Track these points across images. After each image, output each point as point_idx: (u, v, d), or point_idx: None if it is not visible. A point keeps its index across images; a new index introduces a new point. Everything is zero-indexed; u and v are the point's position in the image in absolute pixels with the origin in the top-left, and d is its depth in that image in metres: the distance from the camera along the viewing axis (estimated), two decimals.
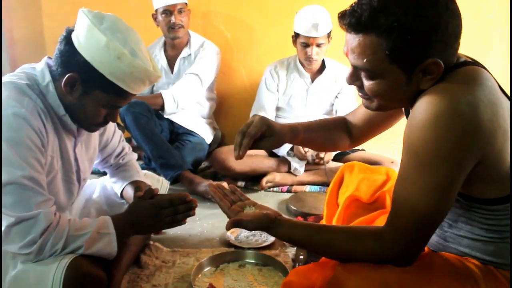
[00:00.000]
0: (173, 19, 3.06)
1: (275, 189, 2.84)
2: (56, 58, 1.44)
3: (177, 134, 3.22)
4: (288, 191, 2.81)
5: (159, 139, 2.89)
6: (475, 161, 1.06)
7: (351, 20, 1.09)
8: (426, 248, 1.32)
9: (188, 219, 1.59)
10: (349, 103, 2.93)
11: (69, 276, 1.30)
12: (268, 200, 2.66)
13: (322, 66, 3.02)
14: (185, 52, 3.23)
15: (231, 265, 1.85)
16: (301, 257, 1.81)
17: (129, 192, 1.78)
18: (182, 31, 3.13)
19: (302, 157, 2.81)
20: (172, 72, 3.28)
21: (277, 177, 2.85)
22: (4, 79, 1.44)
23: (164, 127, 3.15)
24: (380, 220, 1.45)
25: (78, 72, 1.40)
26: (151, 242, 2.00)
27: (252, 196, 2.62)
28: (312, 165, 2.87)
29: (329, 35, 2.82)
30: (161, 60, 3.28)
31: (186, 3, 3.11)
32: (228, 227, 1.29)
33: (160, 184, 2.05)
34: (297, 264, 1.78)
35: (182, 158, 2.89)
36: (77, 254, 1.37)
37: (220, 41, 3.38)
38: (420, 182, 1.07)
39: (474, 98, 1.04)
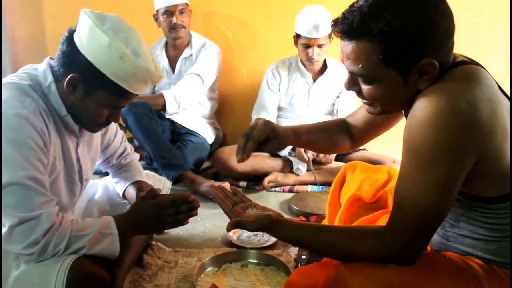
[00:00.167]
0: (174, 19, 3.06)
1: (277, 189, 2.83)
2: (58, 59, 1.44)
3: (179, 134, 3.22)
4: (290, 191, 2.81)
5: (161, 139, 2.89)
6: (475, 159, 1.07)
7: (343, 27, 1.10)
8: (428, 248, 1.32)
9: (190, 219, 1.59)
10: (350, 103, 2.93)
11: (72, 276, 1.30)
12: (270, 200, 2.66)
13: (324, 66, 3.02)
14: (186, 53, 3.23)
15: (234, 265, 1.85)
16: (304, 257, 1.81)
17: (131, 192, 1.78)
18: (183, 31, 3.13)
19: (303, 160, 2.81)
20: (173, 72, 3.28)
21: (279, 177, 2.85)
22: (6, 79, 1.44)
23: (165, 127, 3.15)
24: (383, 219, 1.45)
25: (80, 72, 1.40)
26: (154, 242, 2.00)
27: (254, 196, 2.64)
28: (318, 164, 2.86)
29: (330, 35, 2.81)
30: (163, 61, 3.28)
31: (187, 4, 3.11)
32: (229, 228, 1.30)
33: (162, 184, 2.05)
34: (299, 264, 1.78)
35: (184, 158, 2.89)
36: (79, 254, 1.37)
37: (221, 41, 3.38)
38: (421, 181, 1.07)
39: (472, 96, 1.04)
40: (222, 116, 3.64)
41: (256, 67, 3.53)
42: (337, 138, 1.57)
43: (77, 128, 1.55)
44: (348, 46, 1.12)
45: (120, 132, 1.91)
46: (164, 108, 3.07)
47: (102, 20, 1.39)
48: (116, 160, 1.90)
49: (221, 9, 3.54)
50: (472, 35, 3.24)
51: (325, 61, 3.00)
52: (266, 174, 2.84)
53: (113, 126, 1.84)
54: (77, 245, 1.37)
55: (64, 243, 1.35)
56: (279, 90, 3.08)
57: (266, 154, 3.02)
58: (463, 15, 3.21)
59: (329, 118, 3.10)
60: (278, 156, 3.00)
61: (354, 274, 1.11)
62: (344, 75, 1.24)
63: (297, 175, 2.87)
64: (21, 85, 1.41)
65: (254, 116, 3.14)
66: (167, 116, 3.14)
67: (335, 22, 1.13)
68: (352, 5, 1.10)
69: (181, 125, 3.19)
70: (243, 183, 2.88)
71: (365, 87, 1.17)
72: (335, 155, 2.90)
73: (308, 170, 2.87)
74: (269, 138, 1.37)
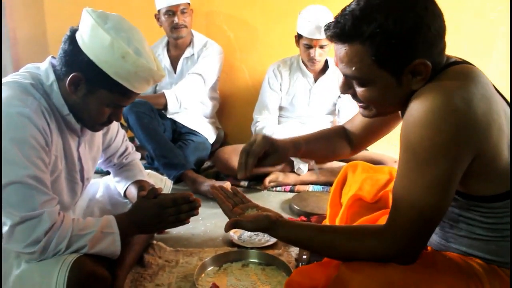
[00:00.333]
0: (176, 19, 3.06)
1: (278, 188, 2.83)
2: (60, 58, 1.44)
3: (180, 133, 3.22)
4: (291, 190, 2.80)
5: (162, 138, 2.89)
6: (472, 156, 1.07)
7: (335, 31, 1.12)
8: (429, 248, 1.32)
9: (191, 219, 1.59)
10: (352, 104, 2.93)
11: (73, 275, 1.30)
12: (271, 199, 2.66)
13: (325, 66, 3.02)
14: (188, 52, 3.23)
15: (234, 265, 1.85)
16: (304, 256, 1.81)
17: (133, 191, 1.78)
18: (185, 31, 3.14)
19: (305, 160, 2.81)
20: (175, 72, 3.29)
21: (280, 176, 2.84)
22: (8, 78, 1.45)
23: (167, 126, 3.15)
24: (383, 219, 1.45)
25: (82, 71, 1.40)
26: (155, 242, 2.00)
27: (255, 196, 2.65)
28: (319, 164, 2.86)
29: None
30: (164, 60, 3.28)
31: (188, 3, 3.11)
32: (227, 229, 1.30)
33: (163, 183, 2.05)
34: (300, 264, 1.78)
35: (185, 158, 2.89)
36: (81, 254, 1.37)
37: (223, 41, 3.39)
38: (419, 179, 1.08)
39: (467, 93, 1.05)
40: (223, 116, 3.64)
41: (258, 67, 3.53)
42: (336, 145, 1.58)
43: (79, 127, 1.55)
44: (341, 49, 1.13)
45: (122, 131, 1.91)
46: (165, 107, 3.07)
47: (104, 19, 1.39)
48: (117, 159, 1.91)
49: (223, 9, 3.54)
50: (473, 35, 3.24)
51: (326, 61, 3.00)
52: (267, 174, 2.84)
53: (115, 125, 1.85)
54: (78, 244, 1.38)
55: (65, 242, 1.35)
56: (281, 90, 3.08)
57: None
58: (464, 15, 3.21)
59: (330, 118, 3.10)
60: None
61: (355, 274, 1.11)
62: None
63: (298, 174, 2.87)
64: (23, 84, 1.42)
65: (255, 116, 3.14)
66: (168, 116, 3.14)
67: (328, 26, 1.15)
68: (344, 9, 1.12)
69: (182, 125, 3.19)
70: (244, 183, 2.88)
71: (359, 90, 1.18)
72: None
73: (310, 169, 2.87)
74: (269, 152, 1.39)
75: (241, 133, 3.52)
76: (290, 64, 3.08)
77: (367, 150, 2.99)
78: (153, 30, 3.23)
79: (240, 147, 2.96)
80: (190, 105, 3.16)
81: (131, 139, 2.65)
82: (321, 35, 2.74)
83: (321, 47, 2.82)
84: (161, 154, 2.81)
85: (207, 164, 3.25)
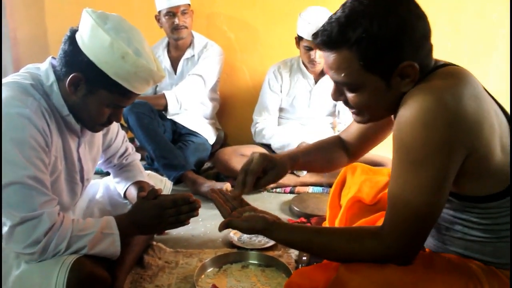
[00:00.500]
0: (176, 20, 3.06)
1: (278, 190, 2.82)
2: (60, 58, 1.44)
3: (180, 134, 3.22)
4: (291, 192, 2.80)
5: (162, 139, 2.89)
6: (465, 154, 1.08)
7: (323, 39, 1.14)
8: (427, 250, 1.33)
9: (191, 220, 1.59)
10: None
11: (72, 276, 1.30)
12: (271, 201, 2.66)
13: None
14: (188, 53, 3.24)
15: (234, 266, 1.85)
16: (304, 258, 1.81)
17: (133, 192, 1.78)
18: (186, 32, 3.14)
19: None
20: (175, 73, 3.29)
21: None
22: (8, 79, 1.45)
23: (167, 127, 3.15)
24: (382, 221, 1.45)
25: (82, 72, 1.40)
26: (154, 243, 2.00)
27: (255, 197, 2.64)
28: None
29: None
30: (165, 61, 3.28)
31: (189, 4, 3.11)
32: (221, 228, 1.31)
33: (163, 184, 2.05)
34: (300, 265, 1.78)
35: (185, 159, 2.89)
36: (80, 254, 1.37)
37: (223, 42, 3.39)
38: (412, 178, 1.09)
39: (456, 92, 1.06)
40: (223, 117, 3.64)
41: (258, 68, 3.53)
42: (333, 155, 1.60)
43: (79, 128, 1.55)
44: (330, 56, 1.15)
45: (122, 132, 1.91)
46: (165, 108, 3.07)
47: (104, 20, 1.39)
48: (117, 160, 1.90)
49: (223, 10, 3.54)
50: (474, 35, 3.24)
51: None
52: None
53: (115, 126, 1.84)
54: (78, 245, 1.37)
55: (65, 243, 1.35)
56: (281, 91, 3.08)
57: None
58: (464, 15, 3.21)
59: (330, 119, 3.10)
60: None
61: (353, 275, 1.11)
62: None
63: (298, 176, 2.87)
64: (23, 84, 1.42)
65: (255, 117, 3.15)
66: (168, 117, 3.14)
67: (316, 34, 1.17)
68: (330, 17, 1.15)
69: (183, 126, 3.19)
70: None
71: (350, 95, 1.20)
72: None
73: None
74: (267, 169, 1.40)
75: (241, 134, 3.52)
76: (291, 65, 3.08)
77: None
78: (154, 31, 3.23)
79: (240, 148, 2.99)
80: (190, 106, 3.16)
81: (131, 140, 2.65)
82: None
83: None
84: (161, 155, 2.81)
85: (207, 165, 3.24)
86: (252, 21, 3.52)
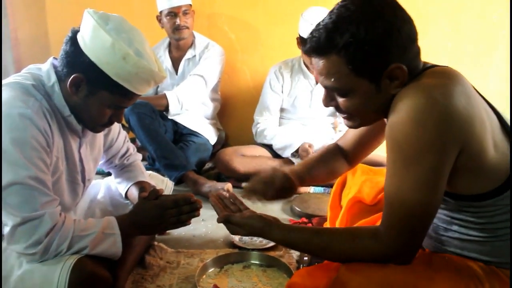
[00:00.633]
0: (178, 20, 3.06)
1: None
2: (61, 59, 1.44)
3: (181, 134, 3.22)
4: None
5: (163, 139, 2.89)
6: (457, 150, 1.09)
7: (312, 45, 1.17)
8: (427, 250, 1.33)
9: (193, 220, 1.59)
10: None
11: (74, 276, 1.30)
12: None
13: None
14: (189, 54, 3.24)
15: (236, 266, 1.85)
16: (306, 258, 1.81)
17: (134, 192, 1.78)
18: (187, 32, 3.14)
19: (306, 157, 2.81)
20: (176, 73, 3.29)
21: None
22: (9, 79, 1.45)
23: (168, 127, 3.15)
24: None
25: (83, 72, 1.40)
26: (156, 243, 2.00)
27: None
28: None
29: None
30: (166, 61, 3.28)
31: (190, 5, 3.11)
32: (219, 220, 1.38)
33: (165, 184, 2.05)
34: (301, 266, 1.78)
35: (186, 159, 2.89)
36: (82, 255, 1.37)
37: (224, 42, 3.39)
38: (407, 176, 1.09)
39: (446, 89, 1.08)
40: (224, 117, 3.64)
41: (259, 68, 3.53)
42: (335, 164, 1.62)
43: (80, 128, 1.55)
44: (319, 62, 1.18)
45: (123, 132, 1.91)
46: (167, 108, 3.07)
47: (106, 21, 1.40)
48: (118, 160, 1.91)
49: (225, 10, 3.54)
50: (475, 36, 3.24)
51: None
52: None
53: (116, 126, 1.85)
54: (80, 245, 1.38)
55: (66, 243, 1.35)
56: (282, 92, 3.08)
57: (269, 155, 3.03)
58: (465, 16, 3.21)
59: (331, 119, 3.10)
60: (280, 157, 3.00)
61: (354, 275, 1.12)
62: None
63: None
64: (25, 85, 1.42)
65: (256, 117, 3.15)
66: (169, 117, 3.14)
67: (304, 42, 1.21)
68: (318, 24, 1.17)
69: (184, 126, 3.19)
70: (245, 184, 2.87)
71: (341, 100, 1.22)
72: None
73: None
74: (285, 187, 1.48)
75: (242, 134, 3.52)
76: (292, 65, 3.08)
77: None
78: (155, 31, 3.23)
79: (241, 148, 3.00)
80: (191, 106, 3.16)
81: (133, 140, 2.65)
82: None
83: None
84: (162, 155, 2.82)
85: (208, 165, 3.24)
86: (253, 22, 3.52)
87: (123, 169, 1.91)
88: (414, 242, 1.15)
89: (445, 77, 1.12)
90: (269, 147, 3.07)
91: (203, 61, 3.18)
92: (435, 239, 1.30)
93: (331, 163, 1.60)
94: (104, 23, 1.38)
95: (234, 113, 3.71)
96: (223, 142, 3.50)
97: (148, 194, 1.60)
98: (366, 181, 1.67)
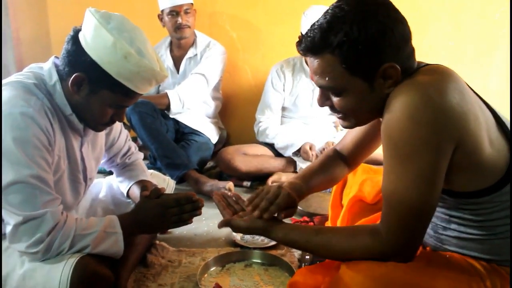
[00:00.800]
0: (179, 19, 3.06)
1: None
2: (63, 58, 1.44)
3: (183, 133, 3.22)
4: None
5: (165, 138, 2.89)
6: (453, 146, 1.09)
7: (306, 45, 1.18)
8: (428, 248, 1.34)
9: (194, 219, 1.59)
10: None
11: (76, 275, 1.30)
12: None
13: None
14: (191, 52, 3.24)
15: (237, 265, 1.85)
16: (307, 257, 1.81)
17: (136, 191, 1.78)
18: (188, 31, 3.14)
19: (307, 158, 2.81)
20: (178, 72, 3.29)
21: (283, 177, 2.84)
22: (11, 78, 1.45)
23: (169, 126, 3.15)
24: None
25: (85, 71, 1.40)
26: (157, 242, 2.01)
27: None
28: None
29: None
30: (167, 60, 3.29)
31: (192, 4, 3.11)
32: (220, 225, 1.37)
33: (166, 183, 2.05)
34: (303, 264, 1.78)
35: (188, 158, 2.89)
36: (84, 253, 1.37)
37: (225, 41, 3.39)
38: (404, 174, 1.10)
39: (440, 85, 1.09)
40: (226, 116, 3.65)
41: (260, 67, 3.53)
42: (335, 171, 1.62)
43: (82, 127, 1.55)
44: (314, 61, 1.19)
45: (125, 131, 1.92)
46: (168, 107, 3.07)
47: (107, 20, 1.40)
48: (120, 159, 1.91)
49: (226, 9, 3.54)
50: (476, 35, 3.23)
51: None
52: (270, 174, 2.84)
53: (118, 125, 1.85)
54: (82, 244, 1.38)
55: (68, 242, 1.35)
56: (284, 90, 3.08)
57: (271, 154, 3.03)
58: (467, 15, 3.21)
59: (333, 118, 3.10)
60: (282, 156, 3.00)
61: (354, 273, 1.12)
62: None
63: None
64: (26, 84, 1.42)
65: (258, 116, 3.15)
66: (171, 116, 3.15)
67: (300, 41, 1.21)
68: (313, 24, 1.18)
69: (185, 125, 3.19)
70: (246, 183, 2.88)
71: (335, 100, 1.23)
72: None
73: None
74: (289, 206, 1.43)
75: (244, 133, 3.52)
76: (293, 64, 3.07)
77: None
78: (156, 30, 3.23)
79: (243, 147, 3.00)
80: (193, 105, 3.16)
81: (134, 139, 2.65)
82: None
83: None
84: (164, 154, 2.82)
85: (210, 164, 3.25)
86: (255, 21, 3.52)
87: (125, 168, 1.91)
88: (413, 239, 1.16)
89: (438, 74, 1.13)
90: (271, 146, 3.07)
91: (205, 60, 3.18)
92: (435, 238, 1.31)
93: (330, 171, 1.60)
94: (105, 22, 1.38)
95: (236, 112, 3.71)
96: (225, 141, 3.51)
97: (150, 193, 1.60)
98: (366, 180, 1.68)
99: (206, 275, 1.78)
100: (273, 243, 2.01)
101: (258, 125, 3.14)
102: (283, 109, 3.15)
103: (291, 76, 3.06)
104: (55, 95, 1.45)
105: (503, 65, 3.19)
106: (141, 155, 2.00)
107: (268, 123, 3.09)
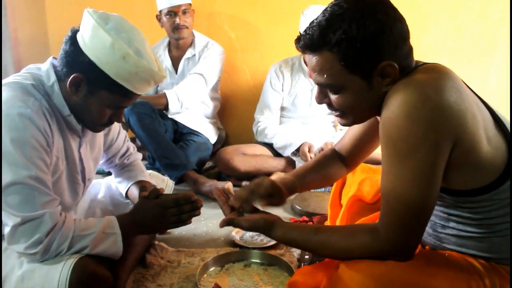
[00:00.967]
0: (177, 20, 3.06)
1: None
2: (61, 59, 1.44)
3: (181, 134, 3.22)
4: None
5: (163, 139, 2.89)
6: (451, 143, 1.09)
7: (305, 42, 1.19)
8: (427, 247, 1.34)
9: (193, 219, 1.59)
10: None
11: (75, 276, 1.30)
12: None
13: None
14: (189, 53, 3.24)
15: (237, 265, 1.85)
16: (307, 256, 1.81)
17: (134, 192, 1.78)
18: (187, 31, 3.14)
19: (306, 161, 2.81)
20: (176, 72, 3.29)
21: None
22: (9, 79, 1.45)
23: (168, 127, 3.15)
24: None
25: (83, 72, 1.40)
26: (156, 242, 2.00)
27: None
28: None
29: None
30: (166, 61, 3.28)
31: (190, 4, 3.11)
32: (222, 224, 1.37)
33: (165, 184, 2.05)
34: (302, 264, 1.78)
35: (187, 158, 2.89)
36: (82, 254, 1.37)
37: (224, 41, 3.39)
38: (402, 172, 1.10)
39: (437, 83, 1.09)
40: (224, 116, 3.65)
41: (259, 67, 3.53)
42: (331, 170, 1.62)
43: (80, 128, 1.55)
44: (312, 59, 1.20)
45: (123, 132, 1.91)
46: (166, 107, 3.07)
47: (105, 20, 1.39)
48: (119, 160, 1.91)
49: (224, 9, 3.54)
50: (475, 34, 3.24)
51: None
52: (269, 174, 2.84)
53: (116, 125, 1.85)
54: (80, 245, 1.38)
55: (67, 243, 1.35)
56: (282, 90, 3.08)
57: (270, 154, 3.03)
58: (466, 15, 3.21)
59: (331, 118, 3.10)
60: (281, 156, 3.00)
61: (354, 272, 1.12)
62: None
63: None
64: (24, 84, 1.42)
65: (257, 116, 3.15)
66: (169, 116, 3.14)
67: (298, 39, 1.22)
68: (312, 22, 1.19)
69: (184, 125, 3.19)
70: (245, 183, 2.88)
71: (333, 97, 1.23)
72: None
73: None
74: (273, 194, 1.45)
75: (243, 133, 3.52)
76: (292, 64, 3.08)
77: None
78: (154, 31, 3.23)
79: (242, 147, 3.00)
80: (191, 105, 3.16)
81: (133, 140, 2.66)
82: None
83: None
84: (162, 154, 2.82)
85: (208, 164, 3.25)
86: (253, 21, 3.53)
87: (123, 169, 1.91)
88: (412, 238, 1.16)
89: (436, 73, 1.13)
90: (269, 145, 3.07)
91: (203, 60, 3.18)
92: (434, 237, 1.31)
93: (326, 170, 1.60)
94: (103, 23, 1.38)
95: (234, 112, 3.71)
96: (224, 141, 3.50)
97: (149, 193, 1.60)
98: (365, 180, 1.68)
99: (205, 275, 1.78)
100: (272, 243, 2.01)
101: (257, 125, 3.14)
102: (282, 109, 3.15)
103: (289, 76, 3.06)
104: (53, 96, 1.45)
105: (503, 65, 3.20)
106: (139, 155, 2.00)
107: (267, 123, 3.09)
